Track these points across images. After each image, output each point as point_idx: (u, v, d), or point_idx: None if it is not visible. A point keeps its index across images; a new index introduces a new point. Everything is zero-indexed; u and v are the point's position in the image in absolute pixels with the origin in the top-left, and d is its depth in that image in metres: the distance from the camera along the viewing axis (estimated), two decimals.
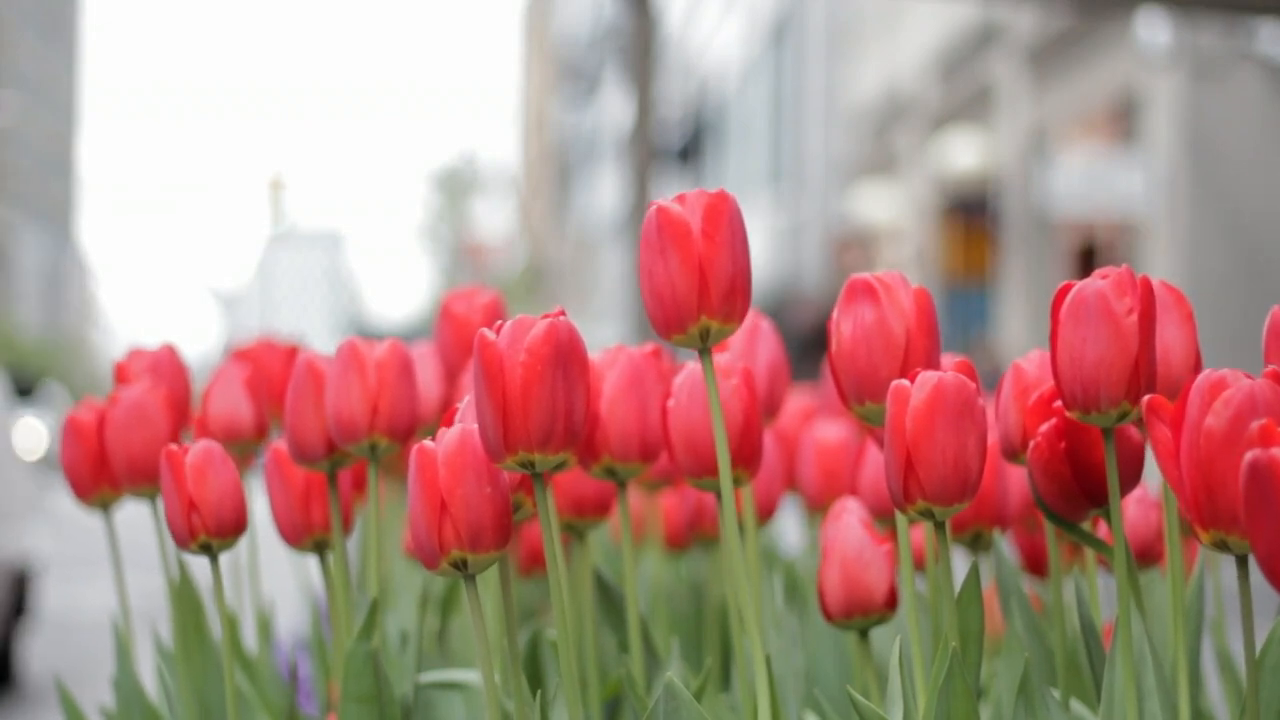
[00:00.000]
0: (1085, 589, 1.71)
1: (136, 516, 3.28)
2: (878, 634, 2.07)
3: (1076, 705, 1.64)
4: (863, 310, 1.53)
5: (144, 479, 1.97)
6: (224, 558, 1.77)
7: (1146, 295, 1.43)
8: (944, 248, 18.26)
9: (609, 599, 1.89)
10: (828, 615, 1.70)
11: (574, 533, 2.02)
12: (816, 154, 24.50)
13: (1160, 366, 1.55)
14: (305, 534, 1.86)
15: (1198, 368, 1.56)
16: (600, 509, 2.01)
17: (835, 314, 1.55)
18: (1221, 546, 1.27)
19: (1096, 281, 1.43)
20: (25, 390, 9.23)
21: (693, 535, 2.43)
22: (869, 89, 22.48)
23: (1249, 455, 1.09)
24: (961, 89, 18.37)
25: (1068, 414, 1.47)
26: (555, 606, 1.47)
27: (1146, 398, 1.33)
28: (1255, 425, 1.14)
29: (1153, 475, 1.47)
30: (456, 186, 63.66)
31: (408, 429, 1.78)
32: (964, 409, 1.39)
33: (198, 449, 1.69)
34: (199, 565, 1.79)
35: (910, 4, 20.08)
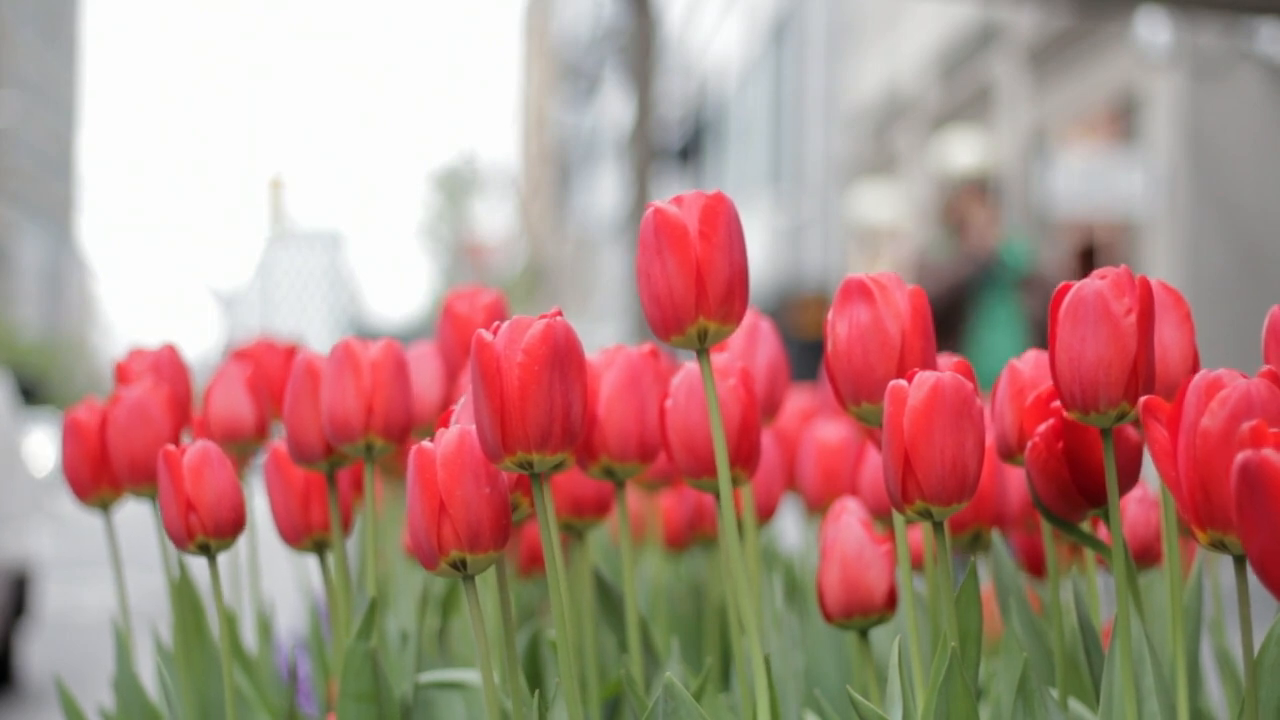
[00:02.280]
0: (1084, 589, 1.72)
1: (137, 516, 3.28)
2: (877, 634, 2.07)
3: (1075, 705, 1.64)
4: (858, 311, 1.53)
5: (145, 479, 1.98)
6: (224, 557, 1.77)
7: (1145, 295, 1.43)
8: None
9: (608, 599, 1.89)
10: (827, 615, 1.71)
11: (573, 533, 2.02)
12: (816, 154, 24.49)
13: (1158, 366, 1.55)
14: (305, 534, 1.87)
15: (1195, 368, 1.56)
16: (599, 509, 2.01)
17: (831, 315, 1.55)
18: (1219, 546, 1.27)
19: (1095, 282, 1.43)
20: (26, 390, 9.22)
21: (692, 535, 2.43)
22: (869, 89, 22.47)
23: (1239, 456, 1.09)
24: (961, 89, 18.36)
25: (1066, 414, 1.47)
26: (554, 606, 1.47)
27: (1143, 399, 1.33)
28: (1245, 426, 1.14)
29: (1153, 475, 1.47)
30: (456, 186, 63.68)
31: (403, 429, 1.78)
32: (962, 409, 1.39)
33: (195, 449, 1.69)
34: (199, 565, 1.79)
35: (910, 4, 20.07)
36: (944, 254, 7.12)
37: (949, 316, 6.89)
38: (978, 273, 6.94)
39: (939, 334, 6.88)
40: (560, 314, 1.44)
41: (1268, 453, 1.09)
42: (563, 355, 1.42)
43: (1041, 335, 6.86)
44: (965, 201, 7.17)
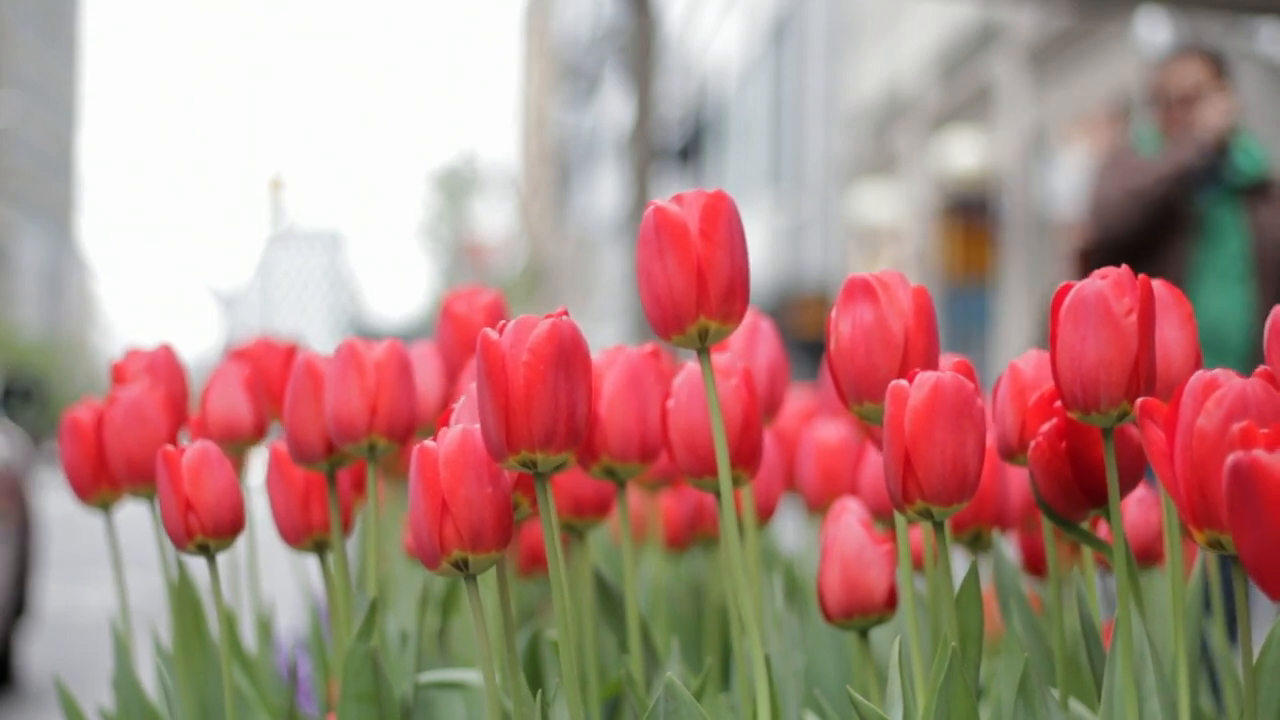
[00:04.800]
0: (1085, 589, 1.71)
1: (136, 516, 3.28)
2: (877, 634, 2.07)
3: (1076, 705, 1.64)
4: (861, 310, 1.53)
5: (142, 479, 1.98)
6: (224, 557, 1.77)
7: (1146, 295, 1.43)
8: (944, 248, 18.26)
9: (609, 599, 1.89)
10: (827, 615, 1.70)
11: (574, 532, 2.02)
12: (816, 154, 24.49)
13: (1160, 366, 1.55)
14: (305, 534, 1.87)
15: (1198, 367, 1.56)
16: (600, 509, 2.01)
17: (834, 313, 1.55)
18: (1216, 546, 1.27)
19: (1096, 282, 1.43)
20: (25, 391, 9.20)
21: (693, 535, 2.43)
22: (869, 89, 22.47)
23: (1230, 457, 1.09)
24: (961, 89, 18.36)
25: (1068, 414, 1.47)
26: (555, 606, 1.47)
27: (1140, 400, 1.33)
28: (1236, 427, 1.14)
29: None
30: (456, 186, 63.65)
31: (406, 429, 1.78)
32: (963, 409, 1.39)
33: (194, 450, 1.69)
34: (199, 565, 1.79)
35: (910, 4, 20.07)
36: (1153, 149, 4.88)
37: (1157, 225, 4.78)
38: (1205, 166, 4.78)
39: (1135, 252, 4.76)
40: (566, 313, 1.44)
41: (1258, 453, 1.09)
42: (568, 355, 1.42)
43: (1276, 258, 4.83)
44: (1188, 73, 4.88)
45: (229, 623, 2.21)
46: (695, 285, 1.47)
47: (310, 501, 1.86)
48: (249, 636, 2.44)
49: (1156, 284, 1.54)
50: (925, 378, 1.40)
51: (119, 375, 2.13)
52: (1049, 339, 1.46)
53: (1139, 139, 5.05)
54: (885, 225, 21.35)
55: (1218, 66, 4.92)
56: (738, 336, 1.99)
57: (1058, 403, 1.56)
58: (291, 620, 3.85)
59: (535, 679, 2.04)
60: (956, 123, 18.52)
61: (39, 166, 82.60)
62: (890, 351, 1.52)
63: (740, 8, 29.37)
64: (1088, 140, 15.21)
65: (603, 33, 36.96)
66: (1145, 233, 4.78)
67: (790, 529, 4.20)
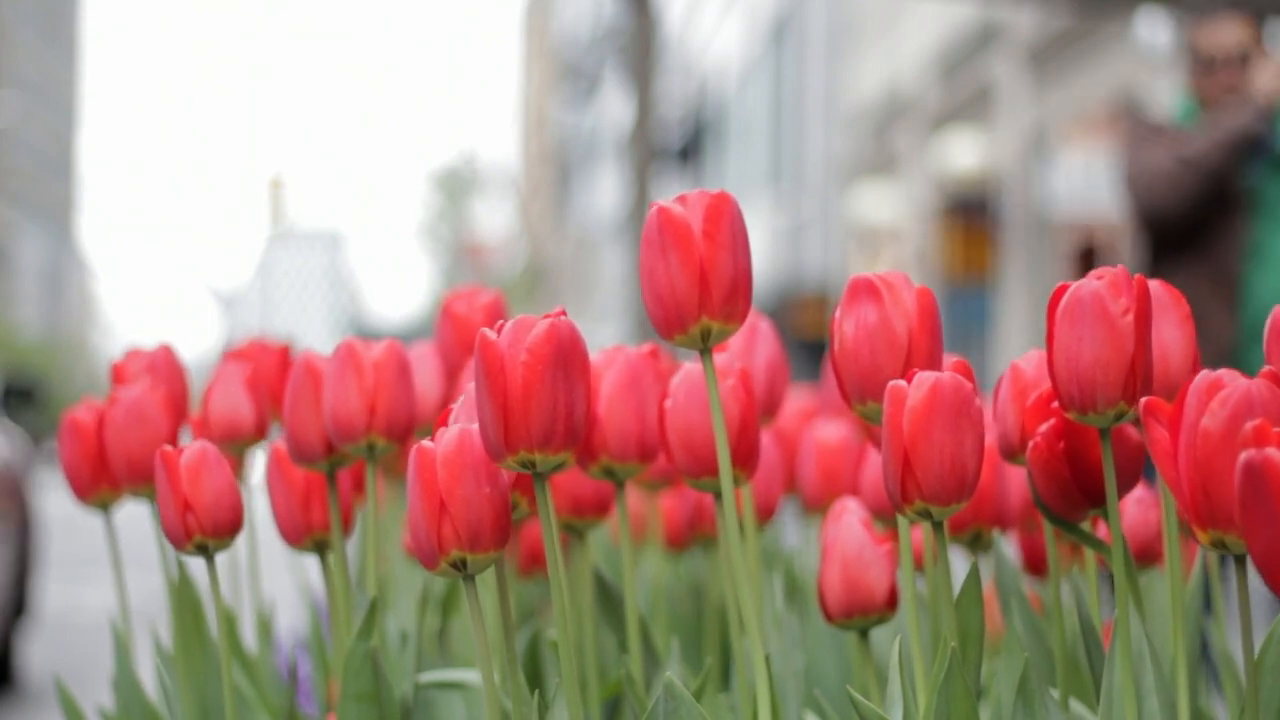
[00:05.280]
0: (1085, 589, 1.71)
1: (136, 516, 3.29)
2: (878, 634, 2.07)
3: (1076, 705, 1.64)
4: (865, 311, 1.53)
5: (143, 479, 1.98)
6: (224, 557, 1.77)
7: (1143, 295, 1.43)
8: (944, 248, 18.26)
9: (609, 599, 1.89)
10: (828, 615, 1.70)
11: (573, 533, 2.02)
12: (816, 154, 24.49)
13: (1158, 366, 1.55)
14: (305, 534, 1.87)
15: (1196, 368, 1.56)
16: (599, 509, 2.01)
17: (838, 313, 1.55)
18: (1219, 546, 1.27)
19: (1092, 282, 1.43)
20: (25, 391, 9.17)
21: (693, 535, 2.43)
22: (869, 89, 22.47)
23: (1243, 456, 1.09)
24: (961, 89, 18.36)
25: (1065, 415, 1.47)
26: (555, 606, 1.47)
27: (1144, 399, 1.33)
28: (1249, 426, 1.14)
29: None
30: (456, 186, 63.66)
31: (405, 429, 1.78)
32: (961, 409, 1.39)
33: (192, 450, 1.69)
34: (199, 565, 1.80)
35: (910, 4, 20.07)
36: (1190, 119, 4.58)
37: (1209, 199, 4.42)
38: (1263, 131, 4.42)
39: (1187, 230, 4.44)
40: (564, 313, 1.44)
41: (1271, 452, 1.09)
42: (566, 355, 1.42)
43: None
44: (1229, 34, 4.51)
45: (229, 623, 2.21)
46: (698, 286, 1.47)
47: (310, 501, 1.86)
48: (249, 636, 2.44)
49: (1154, 284, 1.54)
50: (924, 378, 1.40)
51: (119, 375, 2.13)
52: (1046, 339, 1.46)
53: (1174, 111, 4.74)
54: (885, 225, 21.35)
55: (1258, 27, 4.58)
56: (736, 337, 1.99)
57: (1055, 403, 1.56)
58: (291, 620, 3.85)
59: (535, 679, 2.04)
60: (956, 123, 18.52)
61: (39, 166, 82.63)
62: (894, 352, 1.52)
63: (740, 8, 29.37)
64: (1088, 140, 15.20)
65: (603, 33, 36.95)
66: (1197, 207, 4.43)
67: (790, 529, 4.20)
